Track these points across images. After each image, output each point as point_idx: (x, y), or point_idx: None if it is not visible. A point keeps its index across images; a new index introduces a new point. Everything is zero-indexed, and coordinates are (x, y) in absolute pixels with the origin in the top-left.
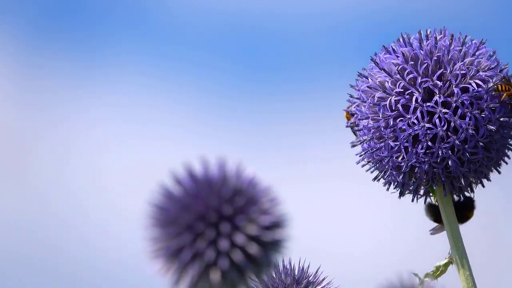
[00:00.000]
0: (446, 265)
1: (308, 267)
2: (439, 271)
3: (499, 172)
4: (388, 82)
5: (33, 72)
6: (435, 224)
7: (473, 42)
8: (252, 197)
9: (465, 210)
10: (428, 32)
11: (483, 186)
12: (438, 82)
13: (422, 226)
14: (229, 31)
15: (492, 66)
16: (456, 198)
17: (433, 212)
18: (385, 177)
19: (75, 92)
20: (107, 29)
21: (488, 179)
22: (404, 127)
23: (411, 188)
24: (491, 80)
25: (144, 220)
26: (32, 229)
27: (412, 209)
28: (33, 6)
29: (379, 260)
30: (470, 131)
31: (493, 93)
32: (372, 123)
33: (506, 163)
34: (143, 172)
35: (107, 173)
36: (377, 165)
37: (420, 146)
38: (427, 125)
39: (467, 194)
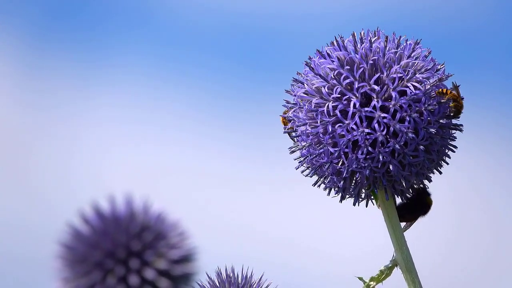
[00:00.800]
0: (390, 269)
1: (252, 274)
2: (384, 275)
3: (440, 173)
4: (324, 87)
5: (35, 72)
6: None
7: (408, 43)
8: (160, 232)
9: (422, 199)
10: (362, 34)
11: (424, 186)
12: (376, 87)
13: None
14: (232, 32)
15: (429, 67)
16: (398, 200)
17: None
18: (326, 182)
19: (77, 92)
20: (110, 30)
21: (430, 180)
22: (343, 132)
23: (352, 192)
24: (428, 81)
25: (54, 261)
26: (32, 229)
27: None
28: (36, 6)
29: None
30: (410, 134)
31: (434, 94)
32: (310, 129)
33: (447, 163)
34: (145, 173)
35: (109, 174)
36: (317, 171)
37: (360, 152)
38: (366, 130)
39: (408, 195)
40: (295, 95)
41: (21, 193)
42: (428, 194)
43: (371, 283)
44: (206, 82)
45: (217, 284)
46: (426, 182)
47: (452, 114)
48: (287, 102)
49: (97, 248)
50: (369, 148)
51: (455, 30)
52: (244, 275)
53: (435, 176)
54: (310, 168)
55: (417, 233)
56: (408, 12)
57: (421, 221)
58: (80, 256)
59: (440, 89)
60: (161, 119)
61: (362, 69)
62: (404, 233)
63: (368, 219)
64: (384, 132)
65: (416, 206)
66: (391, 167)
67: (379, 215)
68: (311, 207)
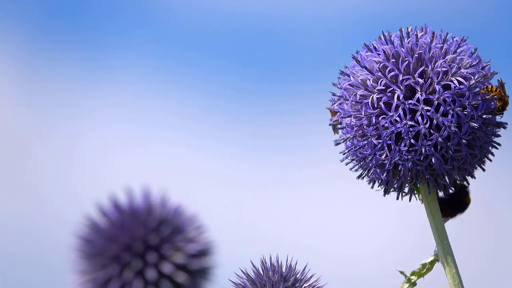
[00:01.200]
0: (432, 263)
1: (296, 264)
2: (425, 269)
3: (484, 170)
4: (370, 80)
5: (37, 73)
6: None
7: (455, 39)
8: (178, 226)
9: (461, 198)
10: (409, 30)
11: (467, 183)
12: (420, 80)
13: (423, 225)
14: (234, 32)
15: (474, 63)
16: (441, 194)
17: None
18: (369, 175)
19: (79, 93)
20: (112, 30)
21: (473, 177)
22: (387, 124)
23: (395, 186)
24: (473, 77)
25: (71, 253)
26: (32, 229)
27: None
28: (37, 7)
29: (379, 260)
30: (452, 128)
31: (478, 90)
32: (354, 121)
33: (490, 160)
34: (147, 175)
35: (111, 175)
36: (361, 163)
37: (403, 144)
38: (410, 122)
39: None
40: (341, 88)
41: (21, 193)
42: (468, 193)
43: (412, 277)
44: (207, 82)
45: (261, 271)
46: (469, 178)
47: (497, 110)
48: (333, 94)
49: (114, 241)
50: (412, 141)
51: (455, 30)
52: (289, 265)
53: (478, 172)
54: (354, 161)
55: (458, 228)
56: (407, 12)
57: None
58: (98, 249)
59: (486, 86)
60: (162, 119)
61: (407, 62)
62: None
63: (372, 218)
64: (427, 125)
65: (455, 203)
66: (433, 160)
67: (379, 215)
68: (309, 208)
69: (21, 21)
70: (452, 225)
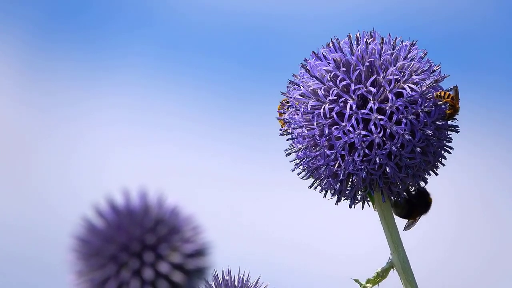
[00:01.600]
0: (386, 271)
1: (249, 277)
2: (380, 277)
3: (437, 174)
4: (321, 89)
5: (37, 73)
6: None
7: (404, 44)
8: (174, 226)
9: (424, 198)
10: (358, 36)
11: (419, 187)
12: (372, 89)
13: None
14: (234, 32)
15: (424, 68)
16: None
17: (401, 208)
18: (322, 184)
19: (79, 93)
20: (112, 31)
21: (426, 182)
22: (340, 135)
23: (348, 194)
24: (424, 82)
25: (68, 254)
26: (33, 230)
27: None
28: (37, 7)
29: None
30: (406, 136)
31: (431, 95)
32: (306, 131)
33: (443, 164)
34: (146, 175)
35: (111, 175)
36: (313, 173)
37: (356, 154)
38: (363, 132)
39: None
40: (291, 97)
41: (21, 193)
42: (428, 193)
43: (368, 285)
44: (207, 82)
45: (214, 287)
46: (422, 183)
47: (447, 117)
48: (282, 103)
49: (111, 241)
50: (366, 150)
51: (455, 30)
52: (241, 278)
53: (431, 177)
54: (306, 171)
55: (412, 235)
56: (407, 13)
57: (419, 222)
58: (95, 250)
59: (439, 92)
60: (162, 119)
61: (358, 71)
62: (400, 234)
63: (365, 219)
64: (380, 134)
65: (421, 204)
66: (387, 169)
67: (375, 216)
68: (310, 208)
69: (22, 21)
70: (408, 232)
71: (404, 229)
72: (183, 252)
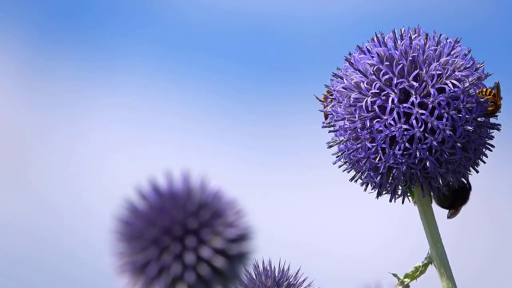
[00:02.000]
0: (425, 266)
1: (289, 268)
2: (419, 272)
3: (477, 172)
4: (363, 82)
5: (38, 73)
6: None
7: (448, 41)
8: (217, 210)
9: (465, 189)
10: (403, 32)
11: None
12: (414, 83)
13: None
14: (237, 32)
15: (468, 65)
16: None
17: (444, 199)
18: (363, 177)
19: (80, 93)
20: (113, 31)
21: (466, 178)
22: (381, 128)
23: (388, 188)
24: (467, 79)
25: (110, 235)
26: (33, 230)
27: (409, 211)
28: (39, 7)
29: (379, 261)
30: (447, 131)
31: (473, 92)
32: (348, 124)
33: (484, 162)
34: (147, 175)
35: (111, 175)
36: (354, 166)
37: (397, 147)
38: (404, 126)
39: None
40: (334, 90)
41: (23, 194)
42: (470, 189)
43: (406, 279)
44: (208, 82)
45: (254, 276)
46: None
47: (488, 113)
48: (326, 96)
49: (153, 224)
50: (407, 144)
51: (455, 30)
52: (281, 268)
53: (472, 174)
54: (347, 163)
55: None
56: (408, 13)
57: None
58: (137, 232)
59: (481, 89)
60: (163, 120)
61: (401, 65)
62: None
63: (373, 219)
64: (421, 129)
65: (463, 195)
66: (428, 164)
67: (381, 214)
68: (316, 208)
69: (22, 21)
70: (447, 228)
71: (448, 217)
72: (226, 237)
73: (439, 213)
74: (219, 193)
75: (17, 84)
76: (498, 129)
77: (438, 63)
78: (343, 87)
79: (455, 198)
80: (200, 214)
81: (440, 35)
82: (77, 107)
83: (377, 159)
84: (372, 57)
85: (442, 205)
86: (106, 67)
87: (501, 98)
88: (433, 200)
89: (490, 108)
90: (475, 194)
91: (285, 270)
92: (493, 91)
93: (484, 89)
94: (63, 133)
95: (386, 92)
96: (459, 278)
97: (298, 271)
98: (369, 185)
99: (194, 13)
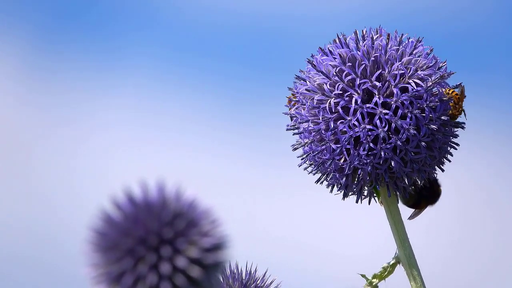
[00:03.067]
0: (393, 266)
1: (256, 270)
2: (387, 272)
3: (443, 170)
4: (326, 84)
5: (41, 74)
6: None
7: (410, 40)
8: (192, 220)
9: (434, 188)
10: (364, 32)
11: (427, 183)
12: (377, 83)
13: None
14: (240, 33)
15: (430, 64)
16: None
17: (410, 198)
18: (328, 179)
19: (83, 94)
20: (117, 32)
21: (431, 178)
22: (345, 129)
23: (354, 189)
24: (430, 78)
25: (84, 246)
26: (33, 230)
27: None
28: (42, 8)
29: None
30: (411, 131)
31: (436, 91)
32: (312, 125)
33: (449, 160)
34: (149, 176)
35: (113, 176)
36: (320, 167)
37: (362, 148)
38: (368, 126)
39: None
40: (297, 92)
41: (25, 194)
42: (438, 184)
43: (374, 280)
44: (214, 85)
45: (221, 279)
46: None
47: (451, 117)
48: (289, 98)
49: (128, 234)
50: (371, 145)
51: (455, 30)
52: (248, 271)
53: (437, 173)
54: (312, 165)
55: (418, 229)
56: (407, 12)
57: (424, 217)
58: (112, 243)
59: (446, 89)
60: (166, 121)
61: (363, 65)
62: (406, 229)
63: (369, 217)
64: (386, 129)
65: (429, 194)
66: (393, 164)
67: (379, 213)
68: (312, 206)
69: (26, 22)
70: (414, 228)
71: (409, 218)
72: (201, 246)
73: (406, 213)
74: (194, 202)
75: (19, 85)
76: (463, 127)
77: (400, 62)
78: (306, 89)
79: (420, 197)
80: (175, 223)
81: (402, 35)
82: (80, 108)
83: (342, 160)
84: (335, 58)
85: (406, 203)
86: (108, 68)
87: (464, 98)
88: (399, 200)
89: (451, 112)
90: (444, 191)
91: (252, 272)
92: (457, 92)
93: (448, 90)
94: (64, 133)
95: (349, 93)
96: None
97: (265, 272)
98: (335, 186)
99: (197, 14)
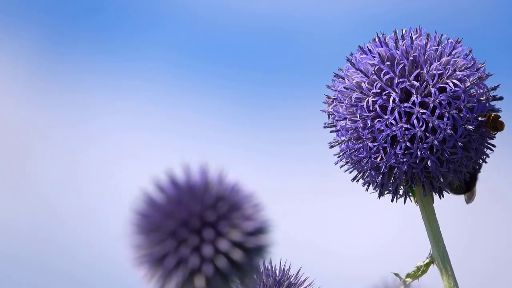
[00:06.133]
0: (427, 265)
1: (289, 268)
2: (420, 271)
3: (479, 172)
4: (365, 82)
5: (47, 75)
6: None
7: (449, 41)
8: (235, 203)
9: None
10: (404, 32)
11: (463, 185)
12: (415, 83)
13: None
14: (244, 34)
15: (469, 65)
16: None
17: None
18: (364, 177)
19: (88, 96)
20: (123, 34)
21: (466, 179)
22: (382, 127)
23: (390, 188)
24: (468, 79)
25: (127, 227)
26: (33, 230)
27: (410, 211)
28: (49, 10)
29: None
30: (448, 131)
31: (474, 92)
32: (350, 123)
33: (486, 162)
34: (150, 179)
35: (113, 177)
36: (356, 165)
37: (398, 147)
38: (405, 125)
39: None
40: (335, 90)
41: (25, 194)
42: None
43: (407, 279)
44: (218, 88)
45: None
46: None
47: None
48: (328, 97)
49: (171, 217)
50: (408, 144)
51: (455, 30)
52: (282, 268)
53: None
54: (349, 163)
55: (453, 230)
56: (408, 13)
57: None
58: (154, 224)
59: (486, 114)
60: (165, 123)
61: (402, 65)
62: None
63: (376, 218)
64: (422, 128)
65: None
66: (429, 163)
67: (384, 214)
68: (320, 208)
69: (32, 24)
70: (448, 227)
71: (468, 202)
72: (243, 230)
73: (441, 212)
74: (236, 186)
75: (25, 86)
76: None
77: (439, 63)
78: (344, 87)
79: (468, 183)
80: (218, 206)
81: (442, 35)
82: (85, 111)
83: (379, 159)
84: (374, 57)
85: (457, 194)
86: (111, 70)
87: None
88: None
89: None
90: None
91: (285, 270)
92: (495, 116)
93: (491, 115)
94: (68, 135)
95: (387, 91)
96: (461, 277)
97: (299, 270)
98: (371, 185)
99: (204, 15)
